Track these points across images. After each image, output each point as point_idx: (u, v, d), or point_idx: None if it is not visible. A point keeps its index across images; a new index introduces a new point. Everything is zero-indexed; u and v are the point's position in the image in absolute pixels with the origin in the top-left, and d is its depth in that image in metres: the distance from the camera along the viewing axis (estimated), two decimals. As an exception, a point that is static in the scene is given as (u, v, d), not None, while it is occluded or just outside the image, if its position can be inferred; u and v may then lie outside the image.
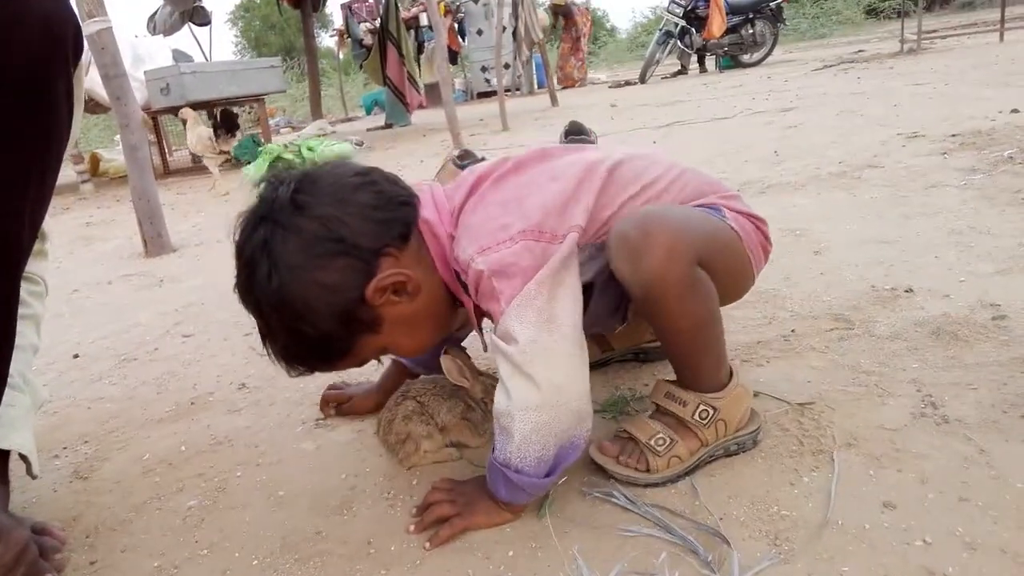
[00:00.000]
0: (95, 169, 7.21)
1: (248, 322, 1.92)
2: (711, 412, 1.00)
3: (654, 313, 0.97)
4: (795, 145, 3.50)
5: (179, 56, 6.93)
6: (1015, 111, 3.40)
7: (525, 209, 0.96)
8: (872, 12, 20.06)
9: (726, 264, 1.02)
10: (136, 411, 1.51)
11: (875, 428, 1.05)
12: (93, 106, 6.16)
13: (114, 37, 2.97)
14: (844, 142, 3.38)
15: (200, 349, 1.84)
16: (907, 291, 1.51)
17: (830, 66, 7.84)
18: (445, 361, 1.14)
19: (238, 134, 5.21)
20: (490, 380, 1.15)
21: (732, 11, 9.78)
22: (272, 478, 1.17)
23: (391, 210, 0.96)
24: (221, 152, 4.91)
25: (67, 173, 7.50)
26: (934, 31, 10.35)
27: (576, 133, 3.55)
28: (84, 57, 0.95)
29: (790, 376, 1.23)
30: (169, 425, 1.42)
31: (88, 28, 2.90)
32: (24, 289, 1.22)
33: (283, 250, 0.91)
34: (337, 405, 1.35)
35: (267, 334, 0.97)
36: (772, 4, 9.78)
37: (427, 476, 1.09)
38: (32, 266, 1.24)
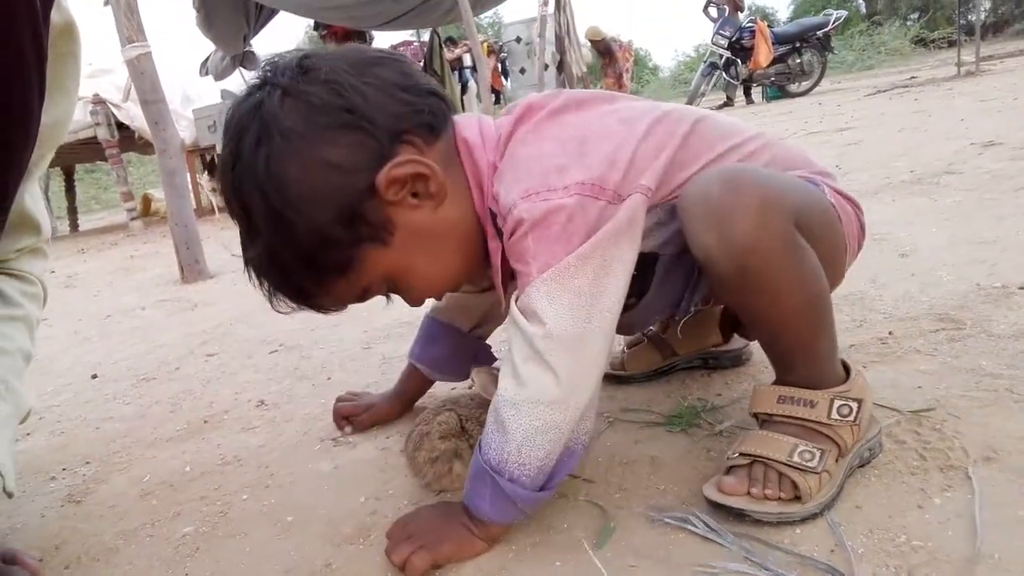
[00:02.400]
0: (147, 210, 7.35)
1: (275, 338, 1.77)
2: (854, 407, 0.78)
3: (752, 292, 0.76)
4: (858, 159, 3.28)
5: (227, 95, 7.05)
6: (1103, 117, 3.13)
7: (587, 154, 0.76)
8: (921, 42, 19.65)
9: (823, 239, 0.80)
10: (145, 430, 1.37)
11: (1018, 439, 0.83)
12: (143, 145, 6.30)
13: (153, 62, 2.95)
14: (912, 154, 3.14)
15: (222, 367, 1.70)
16: (1022, 288, 1.29)
17: (883, 91, 7.56)
18: (479, 376, 0.96)
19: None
20: None
21: (778, 41, 9.60)
22: (281, 501, 1.00)
23: (419, 94, 0.77)
24: (213, 189, 5.21)
25: (118, 213, 7.68)
26: (990, 56, 9.96)
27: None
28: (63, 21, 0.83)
29: (895, 382, 1.02)
30: (178, 444, 1.27)
31: (127, 53, 2.89)
32: (15, 288, 1.10)
33: (278, 114, 0.72)
34: (351, 418, 1.19)
35: (247, 230, 0.77)
36: (820, 33, 9.56)
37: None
38: (27, 264, 1.12)
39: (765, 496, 0.76)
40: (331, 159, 0.73)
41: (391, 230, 0.76)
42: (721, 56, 9.73)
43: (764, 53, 9.48)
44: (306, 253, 0.75)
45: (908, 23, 22.68)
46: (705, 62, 10.02)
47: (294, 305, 0.82)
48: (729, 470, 0.81)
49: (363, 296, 0.83)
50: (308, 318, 1.99)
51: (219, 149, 0.78)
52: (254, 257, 0.78)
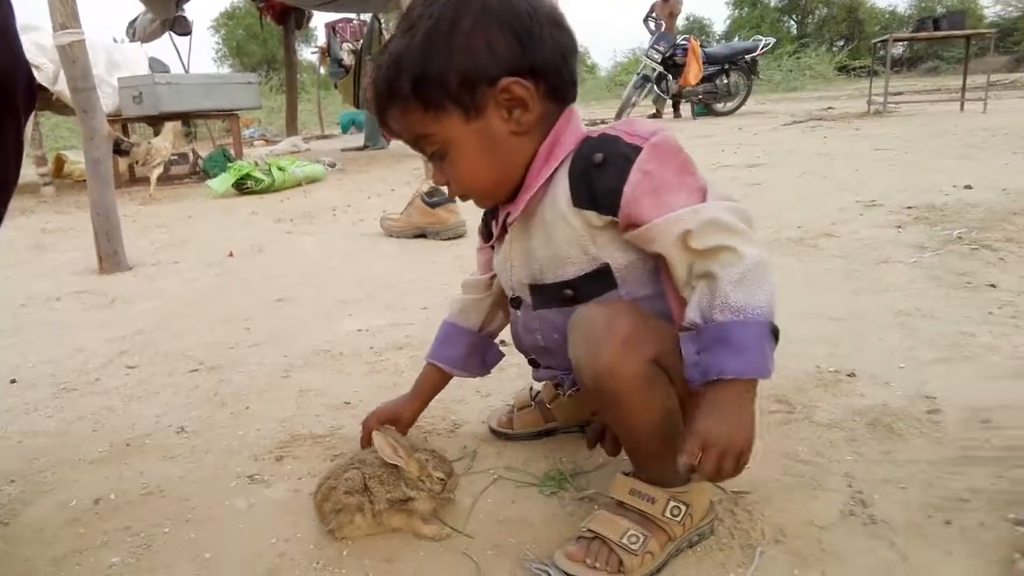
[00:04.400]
0: (59, 170, 7.07)
1: (195, 355, 1.88)
2: (683, 509, 0.98)
3: (607, 406, 0.96)
4: (758, 204, 3.57)
5: (156, 65, 6.87)
6: (968, 187, 3.50)
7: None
8: (843, 69, 20.73)
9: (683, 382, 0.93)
10: (69, 449, 1.46)
11: (804, 524, 1.06)
12: (61, 106, 6.07)
13: (86, 50, 2.94)
14: (803, 206, 3.45)
15: (143, 384, 1.79)
16: (849, 375, 1.54)
17: (799, 122, 8.06)
18: (377, 438, 1.11)
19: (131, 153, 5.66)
20: (426, 455, 1.12)
21: (709, 61, 10.02)
22: (200, 537, 1.14)
23: (572, 73, 1.00)
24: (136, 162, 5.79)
25: (29, 174, 7.35)
26: (900, 93, 10.69)
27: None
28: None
29: (729, 460, 1.24)
30: (101, 468, 1.38)
31: (60, 39, 2.86)
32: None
33: None
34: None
35: (407, 29, 0.96)
36: (748, 57, 10.05)
37: (359, 547, 1.08)
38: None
39: (595, 567, 0.96)
40: (493, 42, 0.93)
41: (478, 115, 0.96)
42: (654, 70, 10.06)
43: (694, 71, 9.88)
44: (422, 73, 0.94)
45: (834, 49, 23.83)
46: (638, 74, 10.33)
47: (370, 104, 1.03)
48: (578, 539, 1.01)
49: (414, 143, 1.03)
50: (226, 335, 2.09)
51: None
52: (392, 48, 0.97)
